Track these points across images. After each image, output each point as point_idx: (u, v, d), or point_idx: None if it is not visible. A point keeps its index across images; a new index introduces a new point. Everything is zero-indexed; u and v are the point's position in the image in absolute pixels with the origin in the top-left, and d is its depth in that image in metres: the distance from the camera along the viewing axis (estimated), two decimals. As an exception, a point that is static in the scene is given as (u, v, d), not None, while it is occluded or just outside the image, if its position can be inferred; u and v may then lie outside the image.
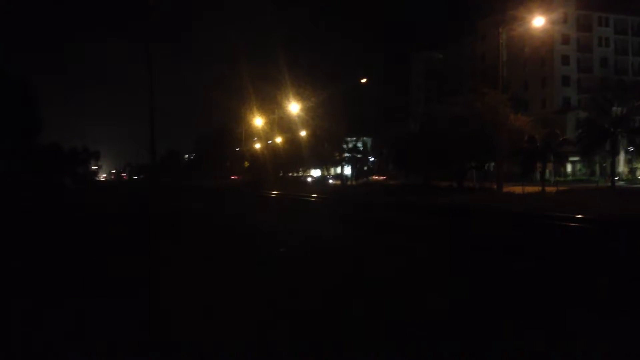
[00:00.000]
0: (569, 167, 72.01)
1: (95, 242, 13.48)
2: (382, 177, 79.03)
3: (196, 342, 5.67)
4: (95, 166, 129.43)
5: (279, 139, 76.01)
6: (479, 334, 5.92)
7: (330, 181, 79.79)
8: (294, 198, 39.28)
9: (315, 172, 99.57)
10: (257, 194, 46.44)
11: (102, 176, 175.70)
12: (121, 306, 7.07)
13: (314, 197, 39.81)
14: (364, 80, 75.20)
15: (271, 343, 5.68)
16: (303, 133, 69.72)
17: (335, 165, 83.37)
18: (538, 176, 45.85)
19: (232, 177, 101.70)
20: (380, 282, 8.47)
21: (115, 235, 14.88)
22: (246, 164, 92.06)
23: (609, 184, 46.17)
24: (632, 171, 70.40)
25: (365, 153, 79.41)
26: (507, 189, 39.65)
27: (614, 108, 56.61)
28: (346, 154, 75.08)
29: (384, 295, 7.59)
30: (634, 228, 17.60)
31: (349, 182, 73.22)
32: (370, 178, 78.02)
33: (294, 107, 64.58)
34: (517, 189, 38.00)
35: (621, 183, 55.58)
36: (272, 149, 77.53)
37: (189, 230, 16.74)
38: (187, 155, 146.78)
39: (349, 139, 77.67)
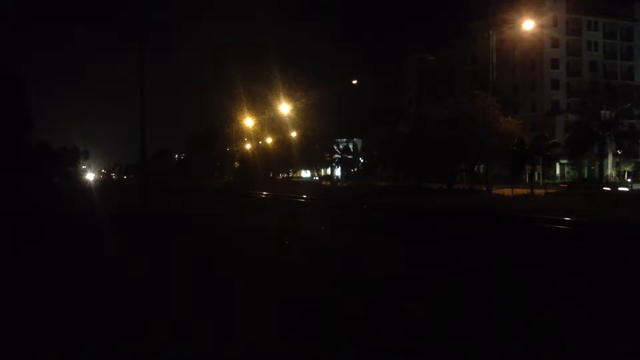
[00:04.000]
0: (557, 170, 72.44)
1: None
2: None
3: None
4: (85, 166, 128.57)
5: (269, 140, 75.84)
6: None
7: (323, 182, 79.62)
8: (284, 199, 39.25)
9: (306, 173, 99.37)
10: (246, 195, 46.34)
11: (91, 176, 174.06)
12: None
13: (305, 198, 39.79)
14: (354, 82, 75.23)
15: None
16: (294, 134, 69.61)
17: (326, 167, 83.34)
18: (527, 178, 46.14)
19: (226, 177, 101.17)
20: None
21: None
22: (236, 164, 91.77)
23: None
24: (620, 174, 70.92)
25: (356, 154, 79.41)
26: (496, 190, 39.88)
27: (603, 112, 57.19)
28: (337, 155, 75.05)
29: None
30: (623, 231, 17.78)
31: (339, 184, 73.18)
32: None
33: (284, 108, 64.47)
34: (507, 191, 38.21)
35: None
36: (262, 150, 77.33)
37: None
38: (177, 155, 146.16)
39: (339, 140, 77.65)
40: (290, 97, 62.47)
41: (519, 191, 38.34)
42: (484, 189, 41.38)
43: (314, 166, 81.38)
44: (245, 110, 71.61)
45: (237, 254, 12.10)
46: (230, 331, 6.27)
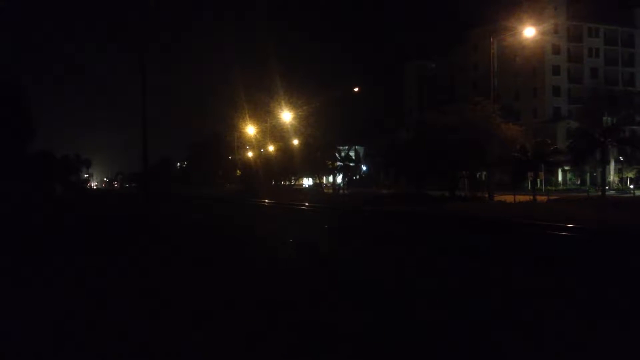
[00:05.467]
0: (559, 176, 72.40)
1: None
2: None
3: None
4: (87, 174, 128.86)
5: (271, 148, 75.92)
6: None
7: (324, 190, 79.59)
8: (286, 207, 39.19)
9: (308, 181, 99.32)
10: (248, 203, 46.35)
11: (94, 184, 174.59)
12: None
13: (307, 205, 39.73)
14: (356, 89, 75.39)
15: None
16: (295, 142, 69.68)
17: (328, 174, 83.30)
18: (529, 185, 46.04)
19: (228, 185, 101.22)
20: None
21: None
22: (238, 172, 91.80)
23: (600, 193, 46.41)
24: (623, 180, 70.87)
25: (358, 161, 79.38)
26: (498, 198, 39.77)
27: (604, 118, 57.21)
28: (338, 163, 75.03)
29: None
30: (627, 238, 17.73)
31: (341, 191, 73.15)
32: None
33: (286, 116, 64.66)
34: (509, 198, 38.13)
35: (612, 192, 55.88)
36: (264, 158, 77.39)
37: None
38: (179, 164, 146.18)
39: (341, 147, 77.63)
40: (292, 104, 62.77)
41: (521, 198, 38.26)
42: (486, 196, 41.29)
43: (315, 173, 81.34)
44: (247, 118, 71.86)
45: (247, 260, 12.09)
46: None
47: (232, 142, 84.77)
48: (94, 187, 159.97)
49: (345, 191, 72.32)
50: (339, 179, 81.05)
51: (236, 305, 7.84)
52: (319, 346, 5.93)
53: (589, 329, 6.55)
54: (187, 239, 17.22)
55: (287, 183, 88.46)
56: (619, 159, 66.15)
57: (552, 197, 40.83)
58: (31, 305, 7.99)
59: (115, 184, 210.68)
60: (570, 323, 6.82)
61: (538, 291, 8.70)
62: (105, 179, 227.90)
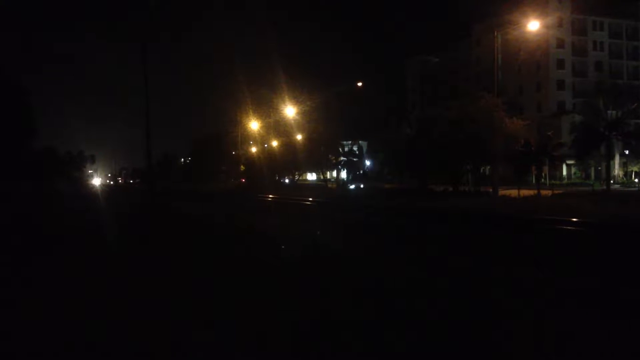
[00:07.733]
0: (564, 171, 72.20)
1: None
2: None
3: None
4: (91, 170, 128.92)
5: (274, 143, 75.86)
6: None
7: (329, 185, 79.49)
8: (290, 202, 39.14)
9: (311, 176, 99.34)
10: (251, 198, 46.33)
11: (97, 181, 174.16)
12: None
13: (310, 201, 39.69)
14: (359, 84, 75.19)
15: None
16: (299, 137, 69.61)
17: (331, 169, 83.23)
18: (533, 179, 45.88)
19: (231, 181, 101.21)
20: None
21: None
22: (242, 167, 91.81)
23: (604, 187, 46.26)
24: (627, 174, 70.60)
25: (361, 156, 79.29)
26: (502, 192, 39.69)
27: (609, 112, 56.89)
28: (342, 158, 74.95)
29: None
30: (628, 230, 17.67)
31: (344, 186, 73.07)
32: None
33: (290, 111, 64.57)
34: (513, 193, 38.05)
35: (616, 186, 55.68)
36: (268, 153, 77.34)
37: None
38: (183, 159, 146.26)
39: (344, 142, 77.53)
40: (295, 100, 62.68)
41: (525, 192, 38.16)
42: (490, 190, 41.21)
43: (319, 169, 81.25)
44: (251, 113, 71.86)
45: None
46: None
47: (235, 137, 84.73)
48: (95, 184, 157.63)
49: (350, 186, 72.22)
50: (343, 174, 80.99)
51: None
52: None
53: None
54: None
55: (291, 178, 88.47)
56: (624, 153, 65.88)
57: (556, 192, 40.72)
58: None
59: (120, 180, 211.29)
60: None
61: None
62: (109, 175, 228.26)
